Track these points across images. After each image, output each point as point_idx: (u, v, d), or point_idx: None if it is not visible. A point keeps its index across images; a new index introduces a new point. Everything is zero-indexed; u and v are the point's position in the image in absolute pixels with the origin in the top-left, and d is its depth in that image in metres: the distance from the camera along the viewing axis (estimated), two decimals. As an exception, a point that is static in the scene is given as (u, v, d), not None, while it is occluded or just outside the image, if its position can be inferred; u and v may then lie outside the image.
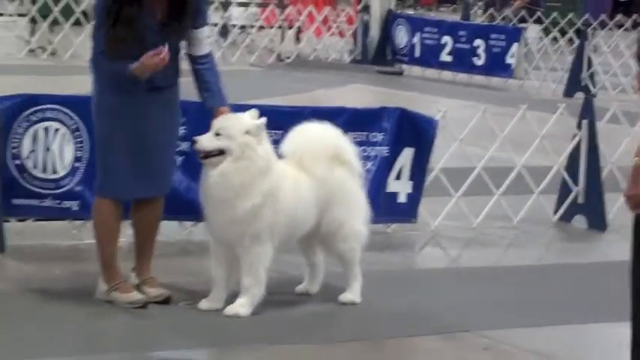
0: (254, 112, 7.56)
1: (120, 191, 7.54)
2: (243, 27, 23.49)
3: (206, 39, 7.69)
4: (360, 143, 8.85)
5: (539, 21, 25.44)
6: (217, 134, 7.25)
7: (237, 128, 7.26)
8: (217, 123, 7.30)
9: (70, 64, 18.56)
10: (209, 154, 7.23)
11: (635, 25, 29.68)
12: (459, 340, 7.46)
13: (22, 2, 22.70)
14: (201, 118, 8.06)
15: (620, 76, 21.20)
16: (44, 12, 20.71)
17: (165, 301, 7.58)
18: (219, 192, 7.34)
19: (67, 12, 20.68)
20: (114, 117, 7.45)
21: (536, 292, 7.99)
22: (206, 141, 7.21)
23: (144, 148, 7.50)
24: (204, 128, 7.60)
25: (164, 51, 7.09)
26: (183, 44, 7.68)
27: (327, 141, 7.92)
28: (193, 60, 7.61)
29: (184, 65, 7.78)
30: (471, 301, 8.24)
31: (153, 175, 7.63)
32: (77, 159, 8.73)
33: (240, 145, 7.22)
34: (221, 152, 7.24)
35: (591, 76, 20.85)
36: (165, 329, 7.27)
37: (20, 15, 21.45)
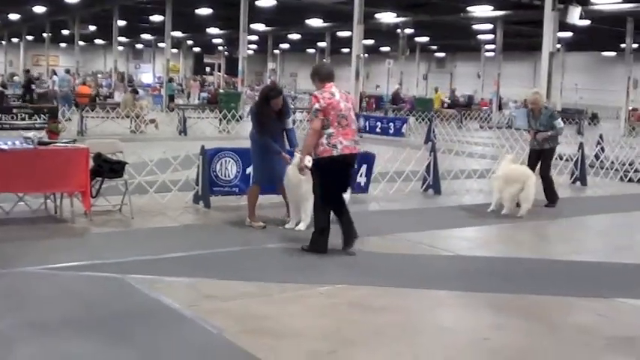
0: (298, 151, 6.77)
1: (262, 182, 7.28)
2: (301, 120, 22.78)
3: (290, 122, 7.19)
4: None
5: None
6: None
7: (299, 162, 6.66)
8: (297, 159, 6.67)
9: (235, 136, 18.10)
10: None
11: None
12: (385, 236, 6.75)
13: (212, 110, 22.79)
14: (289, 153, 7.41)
15: None
16: (224, 115, 20.35)
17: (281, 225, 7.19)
18: (293, 184, 6.97)
19: (233, 115, 20.40)
20: (258, 155, 7.16)
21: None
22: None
23: (271, 165, 7.11)
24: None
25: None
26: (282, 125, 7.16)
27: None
28: (285, 131, 7.13)
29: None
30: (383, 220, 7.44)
31: (275, 176, 7.18)
32: (237, 172, 8.47)
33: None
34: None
35: None
36: (269, 235, 6.77)
37: (215, 117, 21.68)
